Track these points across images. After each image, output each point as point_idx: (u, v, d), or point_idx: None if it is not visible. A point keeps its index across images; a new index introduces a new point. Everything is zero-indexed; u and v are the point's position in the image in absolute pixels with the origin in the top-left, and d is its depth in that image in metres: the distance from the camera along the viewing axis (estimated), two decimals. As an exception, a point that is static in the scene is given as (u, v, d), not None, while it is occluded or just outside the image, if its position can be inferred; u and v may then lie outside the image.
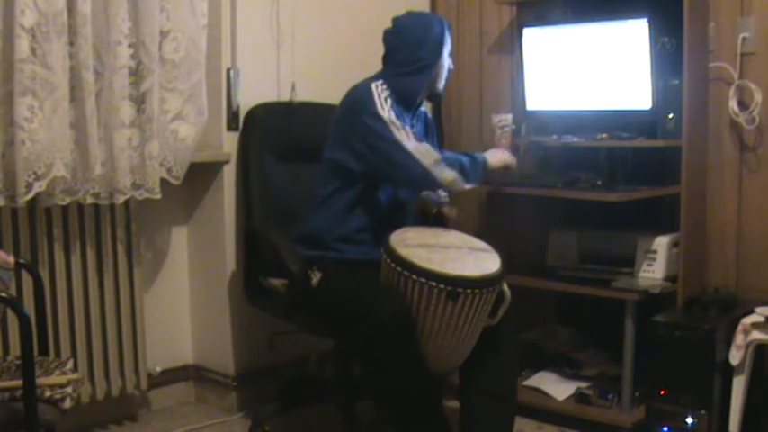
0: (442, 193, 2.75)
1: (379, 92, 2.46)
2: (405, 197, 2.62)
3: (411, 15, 2.61)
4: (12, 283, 2.02)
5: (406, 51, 2.53)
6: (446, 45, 2.58)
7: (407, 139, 2.40)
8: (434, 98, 2.71)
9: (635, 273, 2.80)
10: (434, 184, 2.49)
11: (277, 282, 2.62)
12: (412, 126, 2.55)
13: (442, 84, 2.62)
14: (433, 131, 2.78)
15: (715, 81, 2.80)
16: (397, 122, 2.42)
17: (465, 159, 2.49)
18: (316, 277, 2.44)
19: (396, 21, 2.59)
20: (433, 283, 2.18)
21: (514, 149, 2.98)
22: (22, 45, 2.32)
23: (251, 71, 2.95)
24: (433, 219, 2.71)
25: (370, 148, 2.43)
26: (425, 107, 2.75)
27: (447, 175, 2.43)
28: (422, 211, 2.72)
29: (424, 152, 2.41)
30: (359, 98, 2.48)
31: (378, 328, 2.17)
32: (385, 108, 2.43)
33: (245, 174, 2.84)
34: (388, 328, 2.17)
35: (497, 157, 2.63)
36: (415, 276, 2.19)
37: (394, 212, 2.58)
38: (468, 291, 2.20)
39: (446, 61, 2.60)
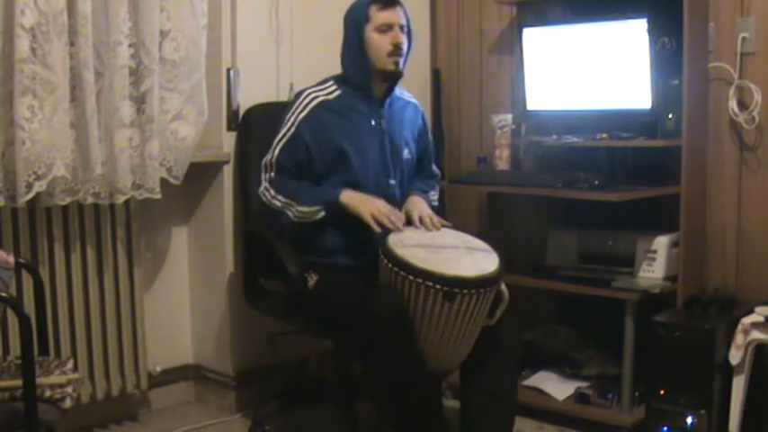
0: (433, 196, 2.70)
1: (306, 94, 2.51)
2: (399, 199, 2.57)
3: None
4: (12, 283, 2.02)
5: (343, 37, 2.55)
6: (371, 20, 2.45)
7: None
8: (388, 78, 2.51)
9: (635, 273, 2.80)
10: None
11: (276, 283, 2.62)
12: (380, 117, 2.52)
13: (382, 62, 2.46)
14: (424, 129, 2.71)
15: (715, 81, 2.80)
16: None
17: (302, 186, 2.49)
18: (312, 280, 2.44)
19: None
20: (430, 284, 2.17)
21: (514, 149, 2.98)
22: (23, 45, 2.32)
23: (251, 71, 2.94)
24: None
25: None
26: (416, 101, 2.70)
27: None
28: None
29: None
30: None
31: (375, 329, 2.17)
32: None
33: (245, 174, 2.83)
34: (385, 329, 2.16)
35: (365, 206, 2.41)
36: (411, 277, 2.19)
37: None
38: (465, 291, 2.19)
39: (374, 36, 2.45)
